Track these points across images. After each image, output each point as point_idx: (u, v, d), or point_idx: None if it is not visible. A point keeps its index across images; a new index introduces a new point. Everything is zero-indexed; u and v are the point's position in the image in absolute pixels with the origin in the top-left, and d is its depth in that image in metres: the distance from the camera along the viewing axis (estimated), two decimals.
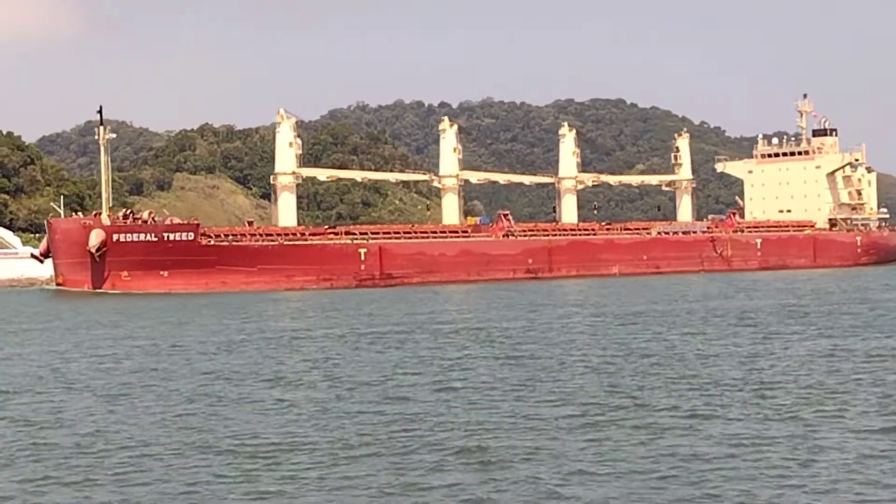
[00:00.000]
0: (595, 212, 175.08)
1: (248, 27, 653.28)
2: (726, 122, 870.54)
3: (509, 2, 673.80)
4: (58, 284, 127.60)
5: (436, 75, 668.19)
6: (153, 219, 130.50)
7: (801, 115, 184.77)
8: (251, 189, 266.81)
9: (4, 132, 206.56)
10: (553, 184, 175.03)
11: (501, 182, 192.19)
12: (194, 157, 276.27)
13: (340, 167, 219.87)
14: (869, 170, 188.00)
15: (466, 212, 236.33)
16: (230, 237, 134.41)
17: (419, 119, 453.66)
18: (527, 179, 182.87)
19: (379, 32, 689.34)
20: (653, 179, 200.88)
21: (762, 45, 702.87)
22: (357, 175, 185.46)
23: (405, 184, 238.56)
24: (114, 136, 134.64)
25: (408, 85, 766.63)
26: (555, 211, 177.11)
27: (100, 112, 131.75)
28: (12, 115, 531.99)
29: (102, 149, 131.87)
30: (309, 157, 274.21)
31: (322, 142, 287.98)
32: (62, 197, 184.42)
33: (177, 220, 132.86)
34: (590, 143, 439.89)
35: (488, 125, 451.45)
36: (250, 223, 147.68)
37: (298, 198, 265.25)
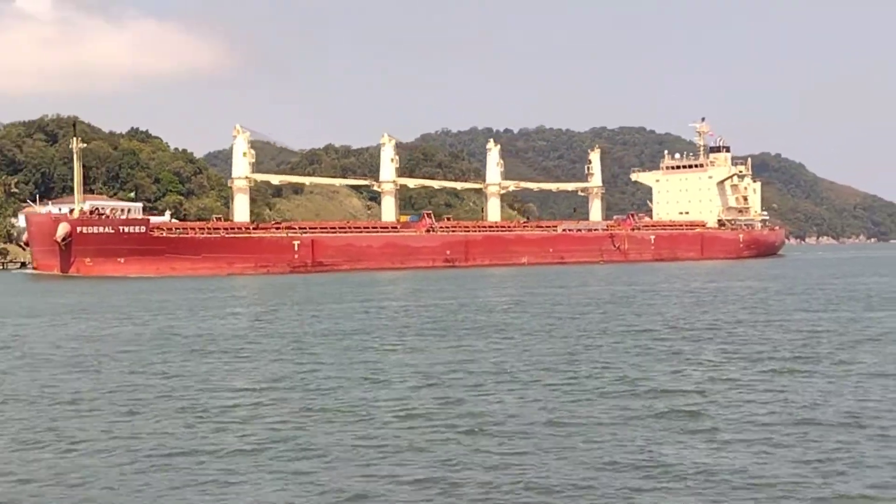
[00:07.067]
0: (516, 213, 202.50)
1: (362, 68, 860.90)
2: (731, 142, 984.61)
3: (568, 45, 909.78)
4: (34, 268, 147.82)
5: (501, 106, 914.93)
6: (113, 214, 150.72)
7: (700, 134, 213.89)
8: (362, 194, 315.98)
9: (180, 149, 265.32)
10: (481, 189, 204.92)
11: (436, 187, 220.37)
12: (320, 169, 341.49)
13: (429, 178, 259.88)
14: (754, 179, 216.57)
15: (523, 210, 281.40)
16: (178, 230, 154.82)
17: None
18: (459, 185, 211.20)
19: (461, 72, 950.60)
20: (569, 186, 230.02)
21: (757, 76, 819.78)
22: (307, 180, 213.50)
23: (476, 190, 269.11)
24: (84, 145, 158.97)
25: (481, 114, 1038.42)
26: (482, 211, 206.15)
27: (74, 126, 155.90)
28: (187, 135, 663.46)
29: (76, 156, 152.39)
30: (405, 170, 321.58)
31: (415, 158, 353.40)
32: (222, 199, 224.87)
33: (133, 217, 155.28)
34: (617, 161, 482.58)
35: (540, 146, 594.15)
36: (219, 219, 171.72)
37: (399, 199, 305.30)
